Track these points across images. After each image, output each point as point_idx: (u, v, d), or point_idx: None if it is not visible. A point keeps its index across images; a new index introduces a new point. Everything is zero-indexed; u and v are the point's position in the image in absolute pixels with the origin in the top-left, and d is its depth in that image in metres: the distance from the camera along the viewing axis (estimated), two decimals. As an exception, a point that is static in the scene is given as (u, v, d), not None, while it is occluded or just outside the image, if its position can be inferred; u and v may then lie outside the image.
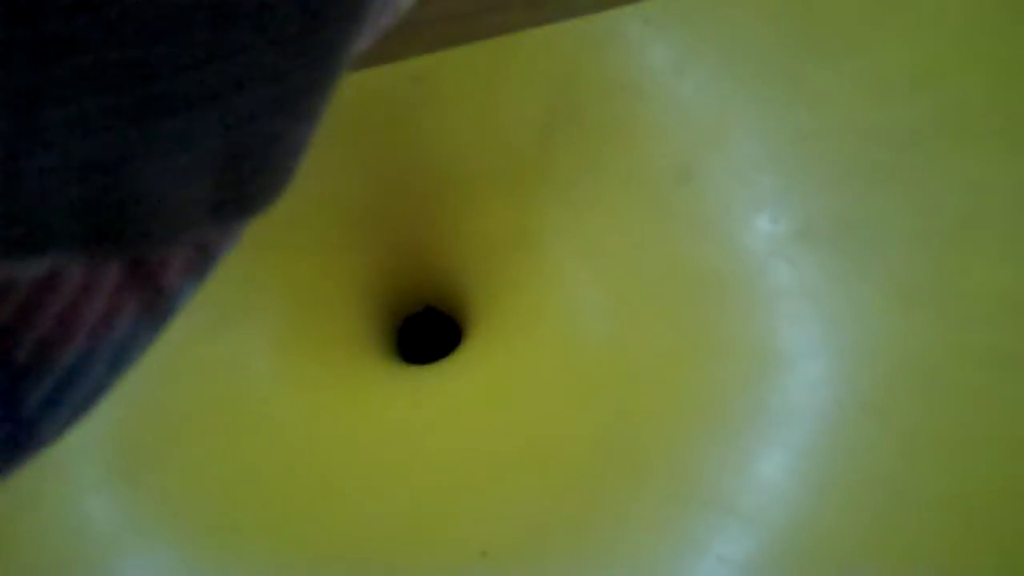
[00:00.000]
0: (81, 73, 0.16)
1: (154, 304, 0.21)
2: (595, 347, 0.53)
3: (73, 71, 0.16)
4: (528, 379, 0.54)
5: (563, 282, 0.54)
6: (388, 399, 0.56)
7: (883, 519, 0.44)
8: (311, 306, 0.57)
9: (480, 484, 0.50)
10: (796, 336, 0.48)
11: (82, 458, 0.52)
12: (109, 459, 0.52)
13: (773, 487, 0.45)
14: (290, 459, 0.53)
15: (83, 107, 0.16)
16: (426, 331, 0.64)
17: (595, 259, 0.53)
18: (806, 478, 0.45)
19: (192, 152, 0.18)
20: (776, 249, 0.49)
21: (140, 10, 0.16)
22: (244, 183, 0.20)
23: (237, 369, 0.55)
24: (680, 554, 0.45)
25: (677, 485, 0.47)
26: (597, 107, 0.52)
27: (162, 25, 0.16)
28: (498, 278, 0.57)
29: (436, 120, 0.55)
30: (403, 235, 0.58)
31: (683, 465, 0.47)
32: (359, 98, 0.54)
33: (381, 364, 0.58)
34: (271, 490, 0.51)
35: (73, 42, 0.15)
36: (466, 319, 0.60)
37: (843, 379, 0.46)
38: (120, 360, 0.22)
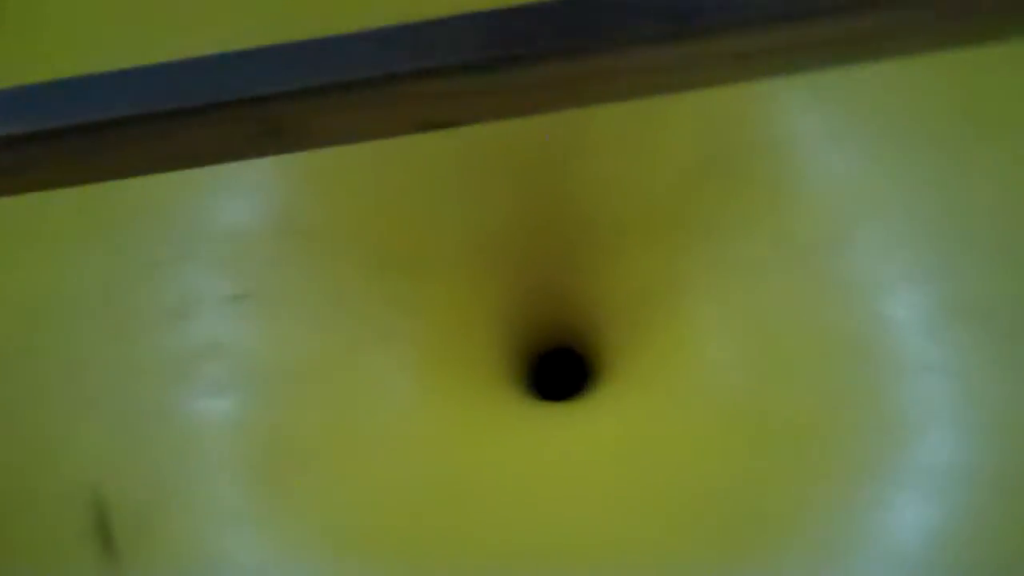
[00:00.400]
0: None
1: None
2: (729, 403, 0.53)
3: None
4: (660, 427, 0.54)
5: (702, 336, 0.54)
6: (522, 432, 0.56)
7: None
8: (450, 333, 0.58)
9: (608, 525, 0.51)
10: (936, 413, 0.48)
11: (209, 482, 0.52)
12: (240, 478, 0.52)
13: (907, 562, 0.45)
14: (425, 483, 0.54)
15: None
16: (559, 370, 0.65)
17: (736, 316, 0.53)
18: (939, 555, 0.45)
19: None
20: (923, 323, 0.49)
21: None
22: None
23: (374, 392, 0.56)
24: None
25: (808, 552, 0.47)
26: (751, 165, 0.53)
27: None
28: (637, 325, 0.57)
29: (590, 163, 0.56)
30: (546, 272, 0.59)
31: (815, 533, 0.47)
32: (519, 133, 0.55)
33: (515, 398, 0.59)
34: (406, 513, 0.52)
35: None
36: (600, 361, 0.61)
37: (983, 460, 0.46)
38: None
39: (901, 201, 0.51)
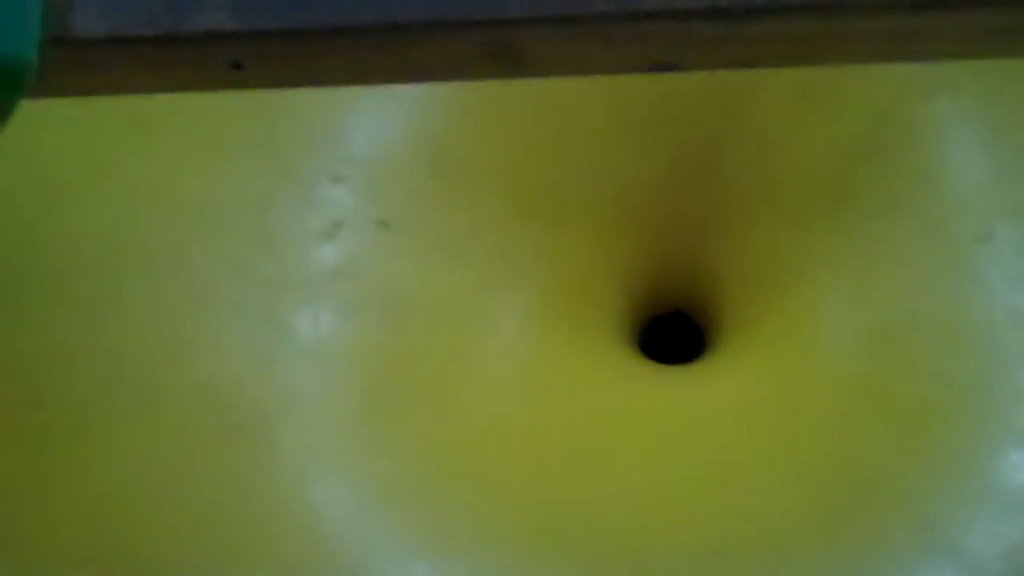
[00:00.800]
0: None
1: None
2: (846, 381, 0.53)
3: None
4: (774, 397, 0.54)
5: (829, 315, 0.55)
6: (631, 389, 0.57)
7: None
8: (569, 282, 0.58)
9: (715, 486, 0.51)
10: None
11: (327, 399, 0.53)
12: (354, 398, 0.53)
13: (1015, 555, 0.45)
14: (534, 426, 0.54)
15: None
16: (671, 334, 0.65)
17: (867, 297, 0.54)
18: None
19: None
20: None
21: None
22: None
23: (495, 330, 0.57)
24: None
25: (915, 532, 0.47)
26: (904, 151, 0.53)
27: None
28: (759, 297, 0.58)
29: (740, 132, 0.56)
30: (673, 234, 0.60)
31: (923, 514, 0.48)
32: (668, 92, 0.56)
33: (625, 354, 0.60)
34: (514, 452, 0.53)
35: None
36: (715, 328, 0.61)
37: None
38: None
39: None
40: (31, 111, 0.28)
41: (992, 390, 0.49)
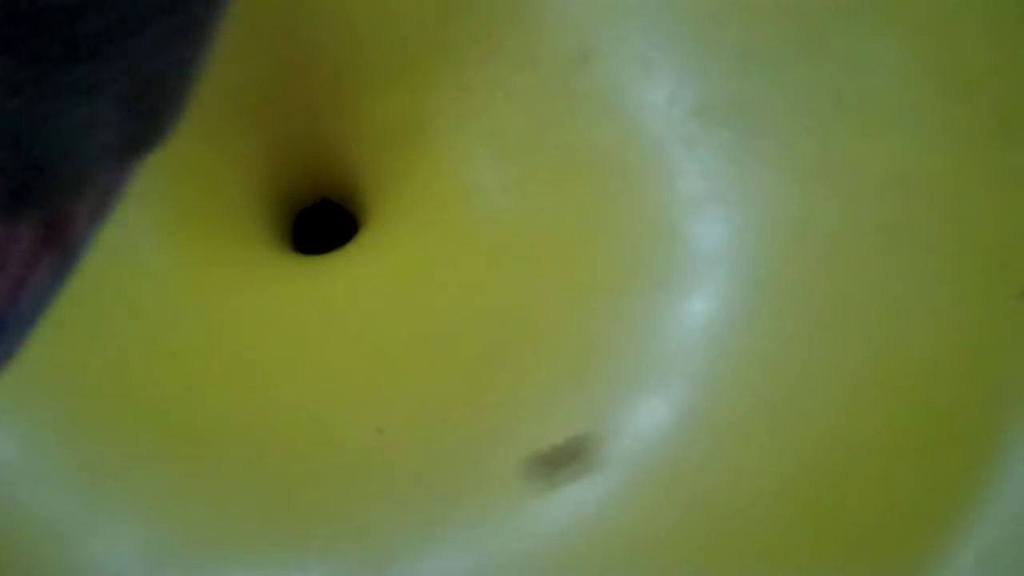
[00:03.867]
0: None
1: (65, 255, 0.21)
2: (492, 230, 0.52)
3: None
4: (425, 264, 0.54)
5: (460, 167, 0.54)
6: (281, 286, 0.55)
7: (778, 388, 0.45)
8: (202, 191, 0.56)
9: (377, 366, 0.50)
10: (691, 214, 0.49)
11: None
12: None
13: (672, 360, 0.46)
14: (180, 341, 0.52)
15: None
16: (323, 224, 0.63)
17: (492, 142, 0.53)
18: (705, 351, 0.46)
19: (100, 98, 0.17)
20: (672, 129, 0.49)
21: None
22: (147, 121, 0.19)
23: (125, 251, 0.53)
24: (588, 427, 0.46)
25: (576, 361, 0.47)
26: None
27: None
28: (394, 166, 0.56)
29: (333, 8, 0.54)
30: (298, 121, 0.58)
31: (582, 342, 0.48)
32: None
33: (275, 253, 0.58)
34: (161, 373, 0.51)
35: None
36: (362, 210, 0.60)
37: (737, 254, 0.47)
38: (37, 310, 0.22)
39: (644, 13, 0.51)
40: None
41: (619, 205, 0.49)
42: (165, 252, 0.54)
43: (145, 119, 0.19)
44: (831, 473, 0.45)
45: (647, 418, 0.46)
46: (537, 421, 0.46)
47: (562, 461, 0.45)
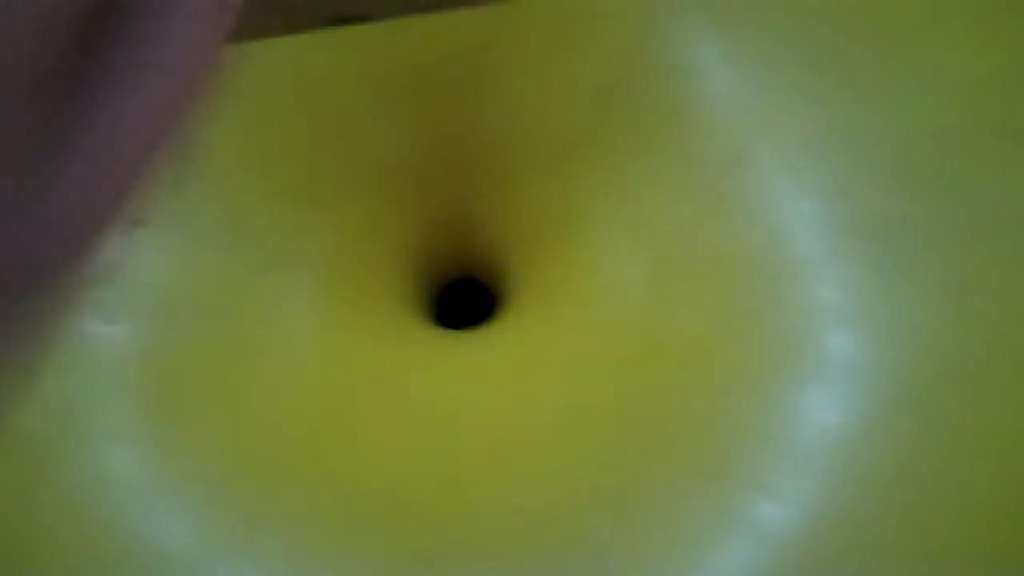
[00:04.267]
0: None
1: None
2: (633, 324, 0.53)
3: None
4: (564, 350, 0.54)
5: (606, 258, 0.55)
6: (423, 357, 0.56)
7: (916, 510, 0.44)
8: (353, 260, 0.58)
9: (514, 448, 0.51)
10: (835, 327, 0.49)
11: (107, 408, 0.52)
12: (137, 405, 0.52)
13: (806, 470, 0.46)
14: (323, 407, 0.53)
15: None
16: (463, 300, 0.65)
17: (639, 237, 0.54)
18: (840, 464, 0.46)
19: None
20: (819, 240, 0.50)
21: None
22: None
23: (275, 314, 0.55)
24: (713, 526, 0.46)
25: (710, 461, 0.47)
26: (652, 86, 0.53)
27: None
28: (540, 251, 0.57)
29: (494, 88, 0.56)
30: (450, 200, 0.59)
31: (717, 443, 0.48)
32: (420, 57, 0.55)
33: (418, 324, 0.59)
34: (312, 437, 0.52)
35: None
36: (504, 290, 0.61)
37: (876, 369, 0.47)
38: None
39: (799, 123, 0.51)
40: None
41: (762, 311, 0.50)
42: (315, 314, 0.56)
43: None
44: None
45: (772, 522, 0.46)
46: (672, 515, 0.47)
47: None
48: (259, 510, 0.51)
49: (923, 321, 0.48)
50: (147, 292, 0.53)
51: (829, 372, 0.48)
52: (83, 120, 0.21)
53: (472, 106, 0.56)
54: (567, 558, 0.48)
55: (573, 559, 0.48)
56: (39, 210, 0.21)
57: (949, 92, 0.50)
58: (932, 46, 0.51)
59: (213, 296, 0.54)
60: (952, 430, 0.46)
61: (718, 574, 0.46)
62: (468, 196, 0.59)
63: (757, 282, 0.51)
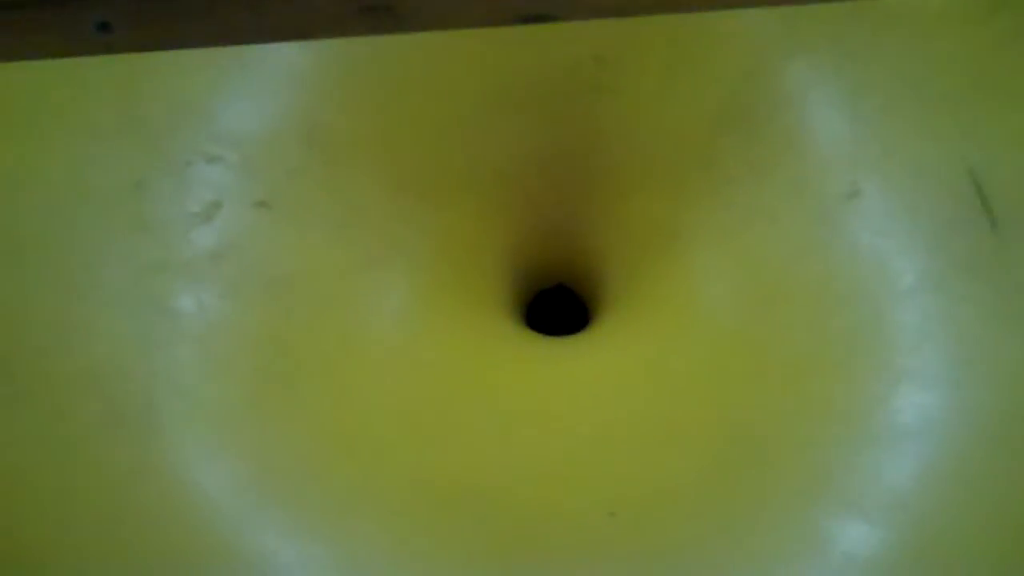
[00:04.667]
0: None
1: None
2: (731, 343, 0.54)
3: None
4: (660, 362, 0.55)
5: (707, 278, 0.56)
6: (520, 361, 0.57)
7: (1007, 546, 0.45)
8: (458, 260, 0.59)
9: (607, 450, 0.52)
10: (932, 361, 0.50)
11: (219, 390, 0.52)
12: (246, 390, 0.52)
13: (900, 494, 0.47)
14: (420, 399, 0.54)
15: None
16: (555, 308, 0.66)
17: (743, 261, 0.55)
18: (932, 490, 0.47)
19: None
20: (928, 278, 0.51)
21: None
22: None
23: (379, 304, 0.56)
24: (807, 546, 0.47)
25: (804, 481, 0.48)
26: (770, 113, 0.54)
27: None
28: (642, 266, 0.59)
29: (610, 104, 0.57)
30: (554, 209, 0.60)
31: (811, 463, 0.49)
32: (541, 68, 0.56)
33: (513, 328, 0.60)
34: (405, 429, 0.53)
35: None
36: (598, 301, 0.62)
37: (980, 406, 0.48)
38: None
39: (915, 162, 0.52)
40: None
41: (863, 341, 0.51)
42: (416, 308, 0.57)
43: None
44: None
45: (865, 545, 0.47)
46: (764, 532, 0.47)
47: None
48: (352, 497, 0.51)
49: (1019, 362, 0.49)
50: (259, 270, 0.54)
51: (919, 410, 0.48)
52: None
53: (588, 119, 0.57)
54: (653, 566, 0.49)
55: (659, 567, 0.49)
56: None
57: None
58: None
59: (321, 281, 0.55)
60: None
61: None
62: (573, 206, 0.60)
63: (860, 311, 0.52)
